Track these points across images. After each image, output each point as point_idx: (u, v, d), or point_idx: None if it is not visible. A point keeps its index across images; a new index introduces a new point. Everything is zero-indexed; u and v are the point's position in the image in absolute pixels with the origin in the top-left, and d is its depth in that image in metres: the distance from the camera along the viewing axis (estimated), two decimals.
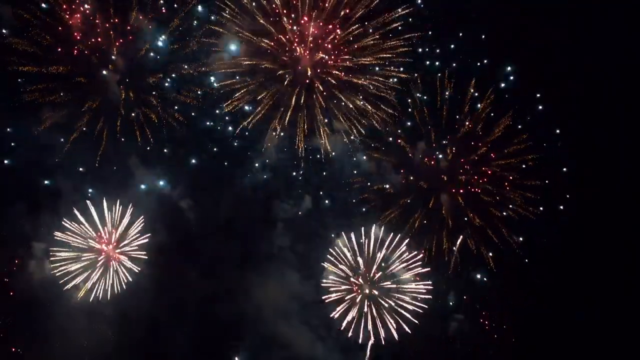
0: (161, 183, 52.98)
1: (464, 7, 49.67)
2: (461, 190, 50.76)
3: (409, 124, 51.71)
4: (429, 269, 49.04)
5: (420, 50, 50.77)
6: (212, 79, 51.16)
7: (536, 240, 50.25)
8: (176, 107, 51.50)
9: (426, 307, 48.52)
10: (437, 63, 51.15)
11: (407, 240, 48.80)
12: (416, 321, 48.36)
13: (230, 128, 52.70)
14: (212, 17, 49.77)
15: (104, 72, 49.60)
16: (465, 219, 50.76)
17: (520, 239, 50.09)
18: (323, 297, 49.80)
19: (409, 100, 51.14)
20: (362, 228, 48.86)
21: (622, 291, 48.62)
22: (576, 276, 49.84)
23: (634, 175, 48.26)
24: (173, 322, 52.80)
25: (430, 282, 48.72)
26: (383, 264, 49.10)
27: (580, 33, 47.33)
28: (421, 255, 49.40)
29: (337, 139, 51.74)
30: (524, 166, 49.51)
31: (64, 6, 48.00)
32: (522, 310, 50.76)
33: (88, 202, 49.35)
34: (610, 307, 48.78)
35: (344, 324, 49.44)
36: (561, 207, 50.06)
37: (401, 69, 50.09)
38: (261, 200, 54.58)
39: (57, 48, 48.35)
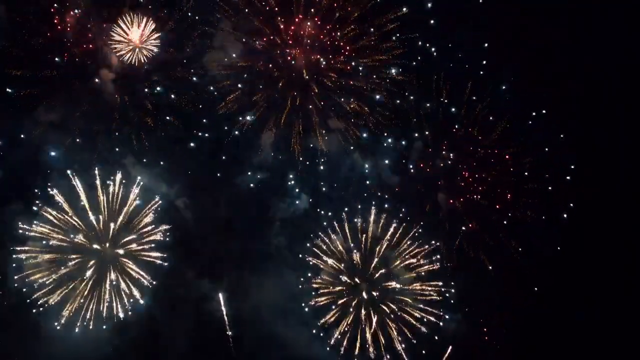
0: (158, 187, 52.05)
1: (463, 7, 49.30)
2: (460, 198, 50.75)
3: (405, 126, 51.48)
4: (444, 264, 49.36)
5: (417, 51, 50.25)
6: (207, 80, 50.48)
7: (535, 242, 50.22)
8: (171, 109, 50.86)
9: (446, 316, 48.97)
10: (434, 64, 50.53)
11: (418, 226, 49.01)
12: (425, 330, 48.59)
13: (226, 129, 52.15)
14: (207, 19, 49.21)
15: (96, 79, 48.91)
16: (463, 227, 50.79)
17: (520, 240, 50.07)
18: (311, 302, 49.77)
19: (404, 104, 50.97)
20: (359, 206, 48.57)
21: (622, 291, 48.93)
22: (576, 277, 49.98)
23: (634, 175, 48.44)
24: (170, 322, 52.29)
25: (441, 283, 48.99)
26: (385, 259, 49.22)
27: (580, 33, 47.24)
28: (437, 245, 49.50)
29: (333, 139, 51.52)
30: (522, 168, 49.47)
31: (53, 10, 47.04)
32: (522, 310, 50.74)
33: (70, 172, 44.90)
34: (610, 307, 49.07)
35: (336, 334, 49.41)
36: (561, 208, 50.00)
37: (395, 70, 49.73)
38: (257, 200, 54.14)
39: (51, 51, 47.45)
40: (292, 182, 53.33)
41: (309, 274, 51.00)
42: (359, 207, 51.68)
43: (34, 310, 45.35)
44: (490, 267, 50.35)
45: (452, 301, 50.27)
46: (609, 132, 48.86)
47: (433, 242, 50.28)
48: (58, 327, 46.08)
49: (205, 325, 52.23)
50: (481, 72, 49.37)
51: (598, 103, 48.55)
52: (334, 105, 50.35)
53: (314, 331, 50.82)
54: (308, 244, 51.40)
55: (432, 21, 49.47)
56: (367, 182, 52.55)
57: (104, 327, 47.11)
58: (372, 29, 48.67)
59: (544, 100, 48.35)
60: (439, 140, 51.05)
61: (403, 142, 51.66)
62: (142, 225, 47.82)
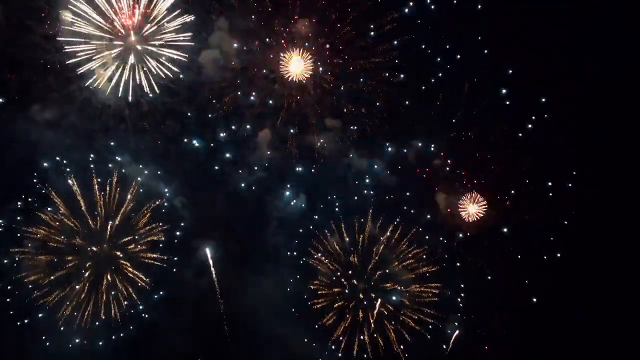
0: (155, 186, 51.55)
1: (463, 7, 49.14)
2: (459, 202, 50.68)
3: (403, 127, 51.40)
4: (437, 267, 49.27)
5: (415, 52, 50.04)
6: (203, 80, 50.03)
7: (535, 242, 50.24)
8: (167, 109, 50.32)
9: (444, 317, 49.15)
10: (433, 65, 50.45)
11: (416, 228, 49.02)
12: (428, 335, 48.53)
13: (222, 128, 51.90)
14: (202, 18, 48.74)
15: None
16: (461, 235, 50.76)
17: (519, 242, 50.13)
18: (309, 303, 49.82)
19: (402, 106, 50.84)
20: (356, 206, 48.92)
21: (622, 291, 48.99)
22: (576, 277, 50.00)
23: (634, 175, 48.48)
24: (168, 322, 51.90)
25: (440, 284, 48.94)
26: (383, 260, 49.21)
27: (580, 33, 47.22)
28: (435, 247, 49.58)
29: (331, 140, 51.45)
30: (522, 169, 49.43)
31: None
32: (522, 310, 50.68)
33: (66, 171, 44.70)
34: (610, 307, 49.14)
35: (334, 336, 49.60)
36: (561, 209, 49.94)
37: (393, 72, 49.74)
38: (254, 200, 53.93)
39: (47, 51, 46.52)
40: (289, 182, 53.08)
41: (307, 275, 50.90)
42: (357, 207, 51.68)
43: (31, 312, 45.22)
44: (489, 276, 50.55)
45: (451, 302, 50.50)
46: (609, 133, 48.86)
47: (432, 243, 50.54)
48: (55, 329, 45.86)
49: (204, 326, 52.06)
50: (480, 73, 49.35)
51: (598, 103, 48.56)
52: (331, 106, 50.25)
53: (313, 332, 50.82)
54: (305, 245, 51.28)
55: (430, 22, 49.50)
56: (365, 183, 52.53)
57: (101, 328, 46.97)
58: (371, 33, 48.54)
59: (543, 101, 48.46)
60: (437, 141, 50.97)
61: (401, 144, 51.69)
62: (139, 226, 47.45)
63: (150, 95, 45.97)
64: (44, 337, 46.71)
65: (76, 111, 48.03)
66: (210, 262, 49.66)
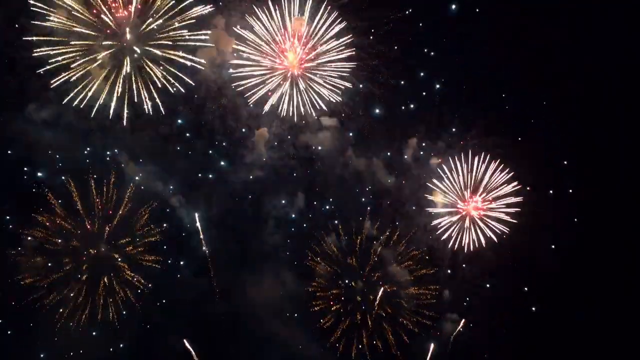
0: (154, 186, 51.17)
1: (462, 7, 49.03)
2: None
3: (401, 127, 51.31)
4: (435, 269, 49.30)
5: (414, 51, 49.98)
6: (199, 77, 49.59)
7: (535, 242, 50.19)
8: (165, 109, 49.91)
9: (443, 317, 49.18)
10: (432, 65, 50.49)
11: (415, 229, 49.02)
12: (427, 337, 48.61)
13: (219, 127, 51.65)
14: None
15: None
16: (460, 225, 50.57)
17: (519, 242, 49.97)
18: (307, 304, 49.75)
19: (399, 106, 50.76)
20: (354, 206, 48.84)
21: (622, 291, 49.14)
22: (576, 276, 50.16)
23: (634, 175, 48.59)
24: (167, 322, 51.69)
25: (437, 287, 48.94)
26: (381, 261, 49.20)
27: (580, 33, 47.20)
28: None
29: (328, 139, 51.33)
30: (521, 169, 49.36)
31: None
32: (522, 310, 50.76)
33: (62, 171, 44.03)
34: (610, 307, 49.27)
35: (333, 337, 49.65)
36: (561, 207, 49.96)
37: (391, 72, 49.55)
38: (252, 200, 53.83)
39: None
40: (287, 182, 52.93)
41: (305, 276, 50.86)
42: (355, 207, 51.63)
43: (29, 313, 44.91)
44: (488, 276, 50.62)
45: (450, 303, 50.63)
46: (609, 132, 48.92)
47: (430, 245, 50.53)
48: (53, 331, 45.58)
49: (203, 326, 51.85)
50: (480, 73, 49.31)
51: (598, 103, 48.60)
52: (328, 105, 50.09)
53: (311, 333, 50.82)
54: (303, 245, 51.17)
55: (430, 22, 49.31)
56: (363, 183, 52.49)
57: (100, 330, 46.81)
58: (370, 37, 48.41)
59: (544, 101, 48.48)
60: (435, 142, 50.93)
61: (399, 145, 51.64)
62: (137, 227, 47.12)
63: (151, 112, 42.90)
64: (40, 341, 46.41)
65: (73, 110, 47.69)
66: (199, 227, 48.85)
